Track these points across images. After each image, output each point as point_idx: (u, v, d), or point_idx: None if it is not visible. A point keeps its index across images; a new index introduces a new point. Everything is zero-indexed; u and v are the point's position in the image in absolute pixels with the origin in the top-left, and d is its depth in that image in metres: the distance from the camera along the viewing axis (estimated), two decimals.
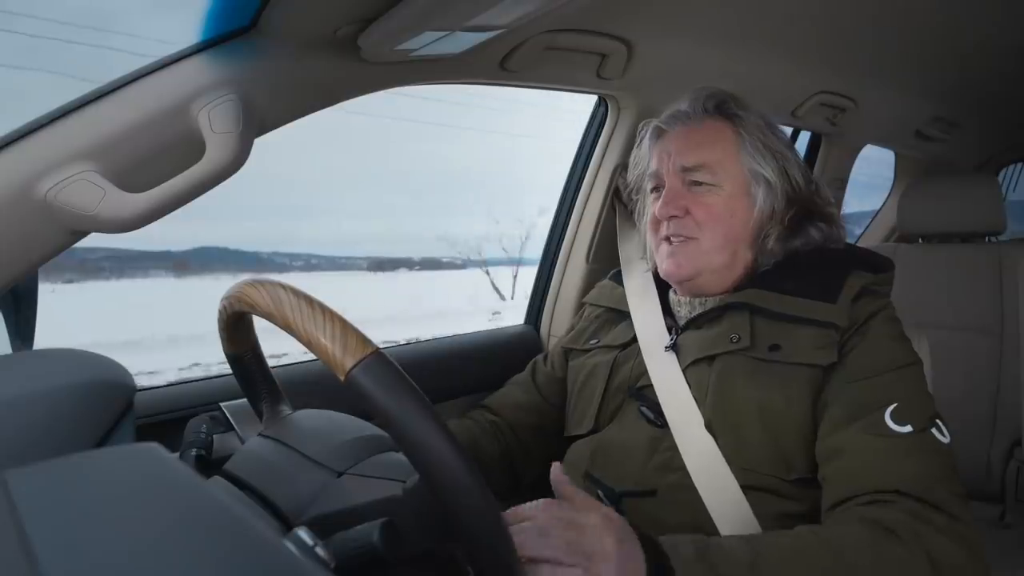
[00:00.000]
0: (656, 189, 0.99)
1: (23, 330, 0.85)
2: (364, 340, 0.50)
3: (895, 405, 0.78)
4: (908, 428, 0.76)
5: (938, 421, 0.79)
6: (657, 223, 0.97)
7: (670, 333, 0.97)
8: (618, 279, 1.13)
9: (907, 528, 0.69)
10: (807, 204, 0.96)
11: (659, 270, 0.99)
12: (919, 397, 0.81)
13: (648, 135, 1.03)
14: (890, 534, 0.69)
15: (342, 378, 0.49)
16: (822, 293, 0.87)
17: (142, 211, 0.78)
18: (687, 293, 0.99)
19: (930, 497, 0.72)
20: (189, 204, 0.82)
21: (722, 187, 0.94)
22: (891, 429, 0.76)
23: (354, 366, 0.48)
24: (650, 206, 1.01)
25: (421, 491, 0.55)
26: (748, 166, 0.94)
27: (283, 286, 0.54)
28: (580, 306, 1.26)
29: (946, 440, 0.78)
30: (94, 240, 0.84)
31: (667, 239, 0.96)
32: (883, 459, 0.75)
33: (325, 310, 0.51)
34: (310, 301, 0.52)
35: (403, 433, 0.48)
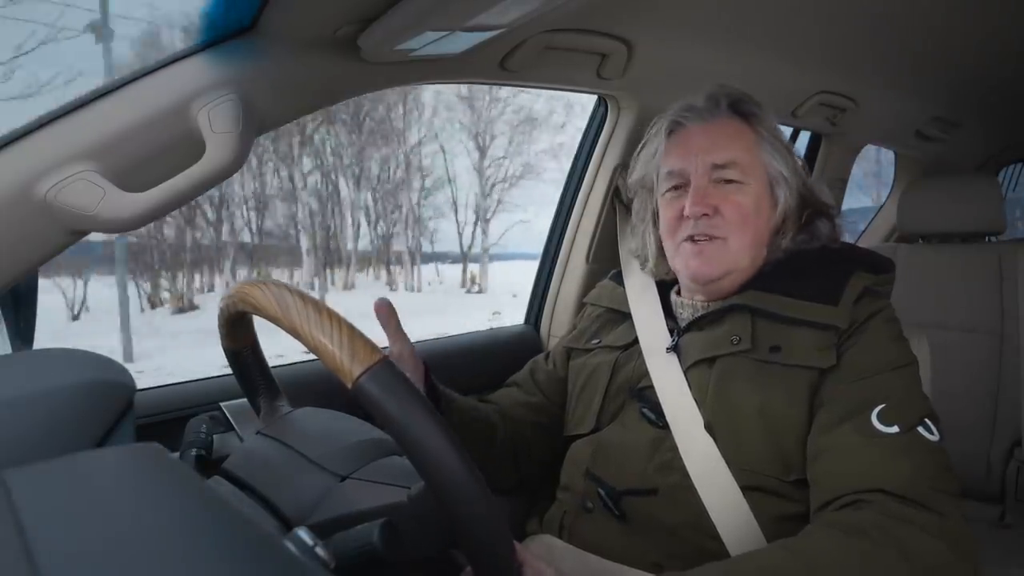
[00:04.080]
0: (675, 188, 0.96)
1: (23, 330, 0.85)
2: (372, 347, 0.50)
3: (883, 406, 0.78)
4: (895, 429, 0.76)
5: (927, 420, 0.78)
6: (677, 223, 0.94)
7: (671, 334, 0.97)
8: (619, 279, 1.12)
9: (881, 529, 0.70)
10: (814, 203, 0.96)
11: (679, 270, 0.97)
12: (910, 397, 0.81)
13: (662, 131, 0.99)
14: (863, 536, 0.69)
15: (349, 385, 0.49)
16: (824, 295, 0.86)
17: (142, 211, 0.78)
18: (704, 295, 0.97)
19: (915, 495, 0.72)
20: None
21: (750, 185, 0.92)
22: (877, 430, 0.76)
23: (362, 374, 0.48)
24: (668, 204, 0.97)
25: (426, 498, 0.55)
26: (768, 165, 0.94)
27: (289, 289, 0.54)
28: (580, 306, 1.26)
29: (935, 438, 0.77)
30: None
31: (691, 238, 0.93)
32: (868, 459, 0.75)
33: (332, 316, 0.51)
34: (317, 306, 0.52)
35: (412, 443, 0.48)
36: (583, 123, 1.54)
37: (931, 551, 0.69)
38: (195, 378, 1.10)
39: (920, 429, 0.77)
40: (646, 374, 0.94)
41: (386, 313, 0.88)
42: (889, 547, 0.69)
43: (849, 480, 0.75)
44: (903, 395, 0.80)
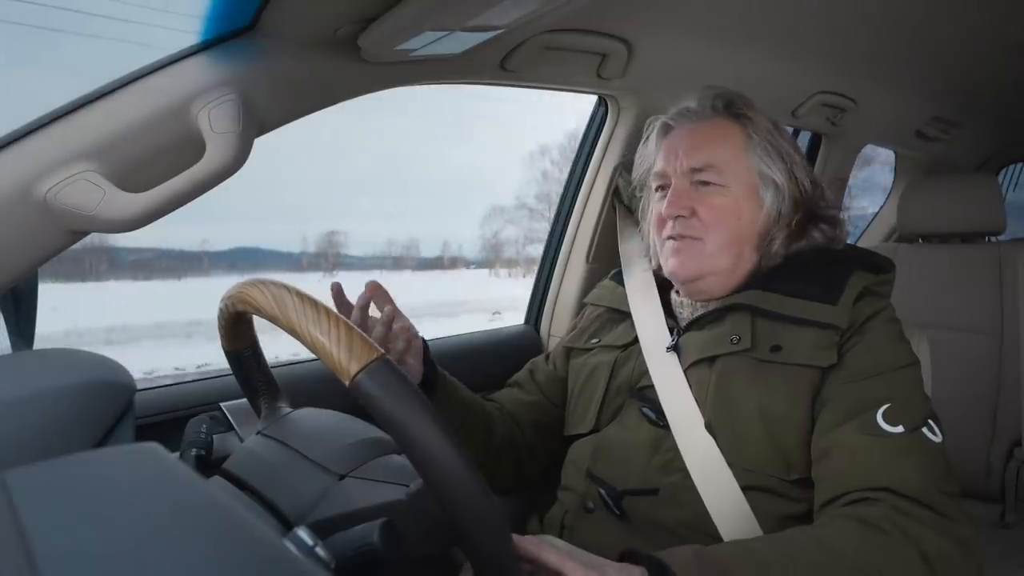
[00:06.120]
0: (661, 188, 0.98)
1: (23, 330, 0.85)
2: (369, 345, 0.50)
3: (888, 406, 0.78)
4: (900, 429, 0.77)
5: (931, 421, 0.79)
6: (662, 222, 0.96)
7: (671, 334, 0.97)
8: (619, 279, 1.12)
9: (893, 523, 0.70)
10: (812, 207, 0.96)
11: (663, 269, 0.99)
12: (913, 398, 0.81)
13: (655, 132, 1.02)
14: (877, 530, 0.70)
15: (347, 383, 0.49)
16: (824, 295, 0.87)
17: (142, 211, 0.78)
18: (689, 296, 0.99)
19: (919, 496, 0.72)
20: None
21: (729, 188, 0.93)
22: (882, 429, 0.77)
23: (359, 371, 0.48)
24: (655, 204, 1.00)
25: (425, 496, 0.55)
26: (756, 168, 0.94)
27: (287, 288, 0.54)
28: (581, 306, 1.26)
29: (938, 439, 0.78)
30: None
31: (671, 237, 0.95)
32: (873, 459, 0.76)
33: (330, 314, 0.51)
34: (314, 304, 0.52)
35: (409, 440, 0.48)
36: None
37: (942, 551, 0.70)
38: (195, 378, 1.10)
39: (924, 430, 0.78)
40: (646, 373, 0.94)
41: (379, 294, 0.89)
42: (906, 543, 0.69)
43: (855, 478, 0.75)
44: (907, 395, 0.81)
